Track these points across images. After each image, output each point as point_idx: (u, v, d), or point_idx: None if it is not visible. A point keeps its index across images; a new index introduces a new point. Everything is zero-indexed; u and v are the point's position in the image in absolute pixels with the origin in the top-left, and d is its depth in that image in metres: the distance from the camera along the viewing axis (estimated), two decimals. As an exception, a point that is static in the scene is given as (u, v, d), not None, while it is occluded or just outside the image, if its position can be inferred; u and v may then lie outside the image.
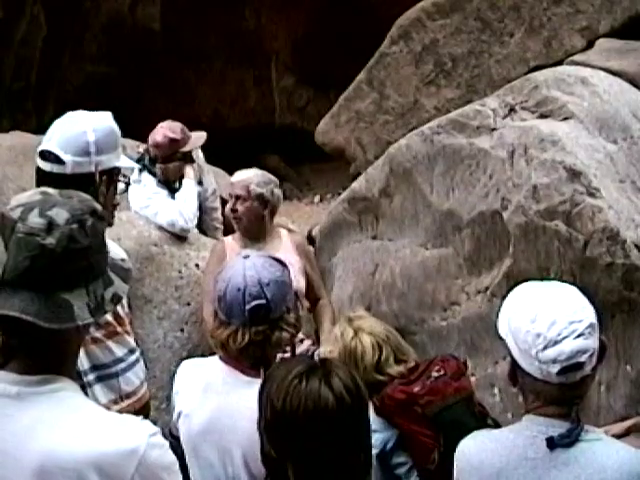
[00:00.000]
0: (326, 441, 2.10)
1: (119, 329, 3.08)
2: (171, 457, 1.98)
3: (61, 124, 3.06)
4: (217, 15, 11.98)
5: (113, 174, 3.10)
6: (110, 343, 3.04)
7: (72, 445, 1.84)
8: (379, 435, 3.47)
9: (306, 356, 2.32)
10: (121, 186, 3.17)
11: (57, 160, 2.94)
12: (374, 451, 3.44)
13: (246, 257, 2.87)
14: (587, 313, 2.35)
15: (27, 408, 1.88)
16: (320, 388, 2.10)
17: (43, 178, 2.94)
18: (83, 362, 2.96)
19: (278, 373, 2.20)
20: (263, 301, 2.77)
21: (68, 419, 1.88)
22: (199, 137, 5.62)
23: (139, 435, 1.90)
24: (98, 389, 3.01)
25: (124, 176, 3.18)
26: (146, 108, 8.02)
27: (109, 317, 2.97)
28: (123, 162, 3.17)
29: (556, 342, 2.27)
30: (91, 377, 3.00)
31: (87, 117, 3.08)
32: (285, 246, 4.91)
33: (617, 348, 4.00)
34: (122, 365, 3.08)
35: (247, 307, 2.76)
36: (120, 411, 2.93)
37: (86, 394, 2.90)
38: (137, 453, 1.86)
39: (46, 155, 2.97)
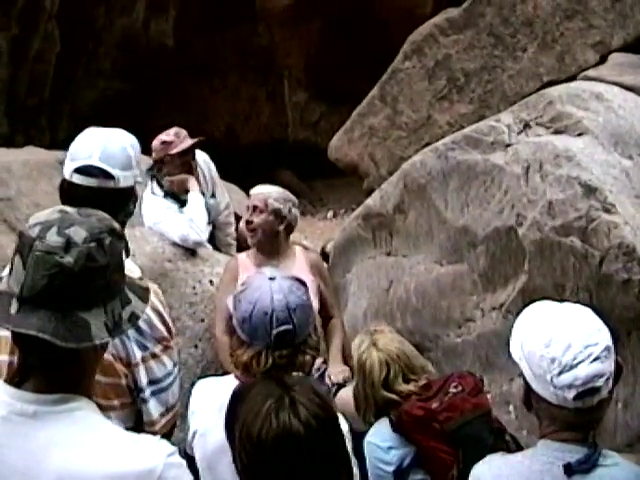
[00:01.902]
0: (306, 471, 2.09)
1: (171, 343, 3.08)
2: (189, 477, 1.97)
3: (95, 140, 3.06)
4: (230, 31, 12.03)
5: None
6: (164, 357, 3.04)
7: (89, 465, 1.83)
8: (396, 452, 3.45)
9: (267, 383, 2.28)
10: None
11: (106, 175, 2.96)
12: (391, 468, 3.44)
13: (272, 279, 2.85)
14: (602, 336, 2.30)
15: (44, 427, 1.87)
16: (291, 422, 2.08)
17: (83, 194, 2.94)
18: (142, 378, 2.96)
19: (246, 411, 2.17)
20: (290, 326, 2.75)
21: (85, 439, 1.87)
22: (188, 142, 5.53)
23: (157, 455, 1.89)
24: (152, 403, 3.01)
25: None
26: (159, 124, 8.01)
27: (165, 332, 2.98)
28: None
29: (572, 367, 2.23)
30: (147, 392, 2.99)
31: (117, 133, 3.12)
32: (299, 265, 4.87)
33: (634, 365, 3.97)
34: (170, 379, 3.08)
35: (274, 332, 2.73)
36: (166, 424, 2.96)
37: (133, 410, 2.92)
38: (155, 473, 1.86)
39: (90, 171, 2.98)
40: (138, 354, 2.94)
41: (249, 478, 2.16)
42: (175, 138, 5.43)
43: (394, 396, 3.53)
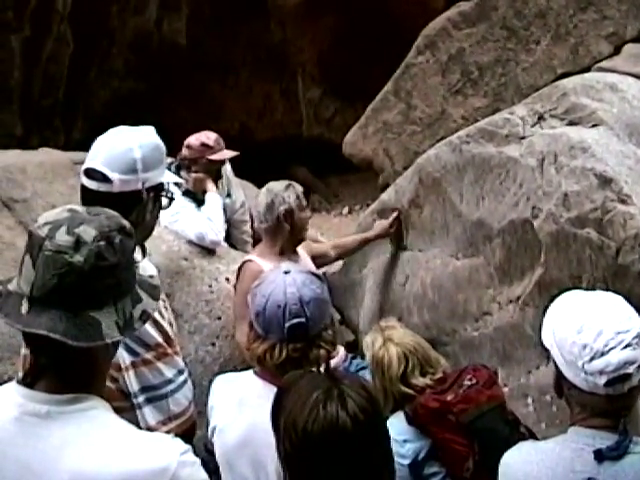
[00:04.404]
0: (350, 465, 2.08)
1: (169, 350, 3.06)
2: (202, 475, 1.97)
3: (105, 141, 3.02)
4: (243, 28, 12.03)
5: (158, 190, 3.09)
6: (160, 364, 3.02)
7: (102, 464, 1.84)
8: (411, 445, 3.46)
9: (316, 375, 2.27)
10: (165, 201, 3.15)
11: (104, 178, 2.91)
12: (406, 461, 3.44)
13: (287, 272, 2.85)
14: (634, 323, 2.31)
15: (57, 427, 1.88)
16: (338, 414, 2.07)
17: (89, 196, 2.92)
18: (133, 384, 2.95)
19: (293, 400, 2.17)
20: (303, 319, 2.75)
21: (98, 438, 1.88)
22: (230, 153, 5.69)
23: (170, 453, 1.89)
24: (147, 411, 3.00)
25: (167, 191, 3.16)
26: (173, 122, 8.02)
27: (159, 338, 2.96)
28: (167, 177, 3.16)
29: (603, 353, 2.24)
30: (141, 399, 2.98)
31: (132, 134, 3.04)
32: (303, 258, 4.91)
33: (653, 356, 3.94)
34: (171, 386, 3.07)
35: (287, 325, 2.74)
36: (169, 432, 2.90)
37: (135, 416, 2.91)
38: (168, 471, 1.86)
39: (92, 173, 2.94)
40: (127, 359, 2.93)
41: (291, 467, 2.16)
42: (216, 144, 5.63)
43: (411, 390, 3.54)
